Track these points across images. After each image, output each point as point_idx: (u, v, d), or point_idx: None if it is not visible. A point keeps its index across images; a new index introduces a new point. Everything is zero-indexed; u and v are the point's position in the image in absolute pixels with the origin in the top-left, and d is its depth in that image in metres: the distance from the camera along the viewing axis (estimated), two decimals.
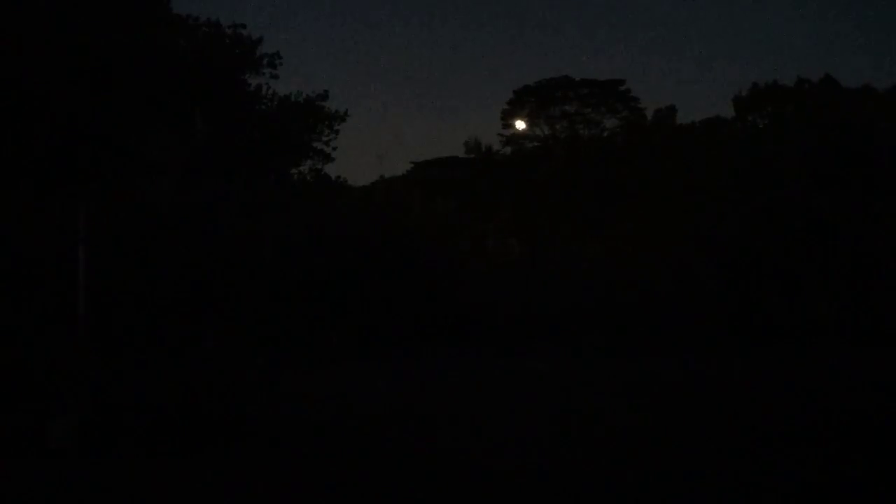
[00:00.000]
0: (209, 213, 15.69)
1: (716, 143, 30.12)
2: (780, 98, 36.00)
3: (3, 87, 6.61)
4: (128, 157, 9.42)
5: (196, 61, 22.95)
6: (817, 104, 19.10)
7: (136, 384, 7.28)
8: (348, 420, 8.09)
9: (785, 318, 16.48)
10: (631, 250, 19.98)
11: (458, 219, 24.08)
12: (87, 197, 9.86)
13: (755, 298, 16.77)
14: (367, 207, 21.90)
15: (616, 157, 37.84)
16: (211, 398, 6.85)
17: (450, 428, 7.70)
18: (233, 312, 13.88)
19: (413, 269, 15.78)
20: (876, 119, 17.98)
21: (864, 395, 9.86)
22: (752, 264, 17.16)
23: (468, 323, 16.05)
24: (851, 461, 6.18)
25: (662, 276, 18.67)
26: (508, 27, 79.61)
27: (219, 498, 5.36)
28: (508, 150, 43.79)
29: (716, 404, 9.13)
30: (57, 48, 20.56)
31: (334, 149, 26.88)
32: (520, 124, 44.03)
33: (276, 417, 7.76)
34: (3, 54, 17.33)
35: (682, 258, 19.04)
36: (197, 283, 14.42)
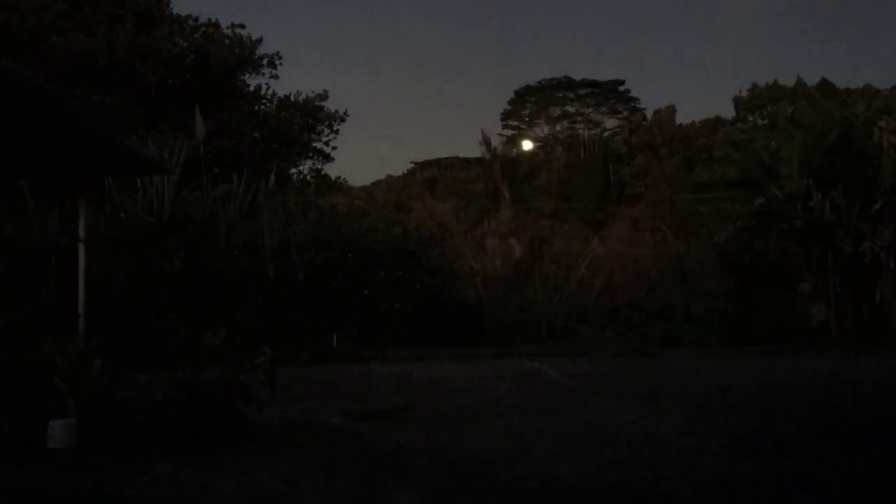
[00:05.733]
0: (209, 213, 15.72)
1: (715, 142, 30.14)
2: (780, 98, 36.05)
3: (5, 86, 6.61)
4: (128, 157, 9.41)
5: (196, 61, 23.00)
6: (817, 104, 19.09)
7: (135, 384, 7.28)
8: (349, 420, 8.09)
9: (784, 318, 16.49)
10: (630, 250, 20.00)
11: (458, 219, 24.11)
12: (87, 197, 9.85)
13: (755, 299, 16.78)
14: (367, 208, 21.91)
15: (616, 156, 37.87)
16: (211, 398, 6.85)
17: (451, 429, 7.69)
18: (233, 311, 13.90)
19: (413, 269, 15.77)
20: (876, 119, 17.96)
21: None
22: (751, 264, 17.16)
23: (468, 323, 16.03)
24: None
25: (662, 275, 18.69)
26: (509, 27, 79.57)
27: (220, 498, 5.36)
28: (513, 150, 43.79)
29: (726, 408, 9.12)
30: (59, 48, 20.60)
31: (334, 149, 27.01)
32: (526, 144, 44.36)
33: (276, 417, 7.76)
34: (4, 54, 17.35)
35: (682, 258, 19.06)
36: (197, 282, 14.45)
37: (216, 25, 24.44)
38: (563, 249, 20.94)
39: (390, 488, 5.50)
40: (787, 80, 37.71)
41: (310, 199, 21.05)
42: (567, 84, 52.39)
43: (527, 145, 44.48)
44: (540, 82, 52.67)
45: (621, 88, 52.03)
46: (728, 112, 40.30)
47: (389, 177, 46.41)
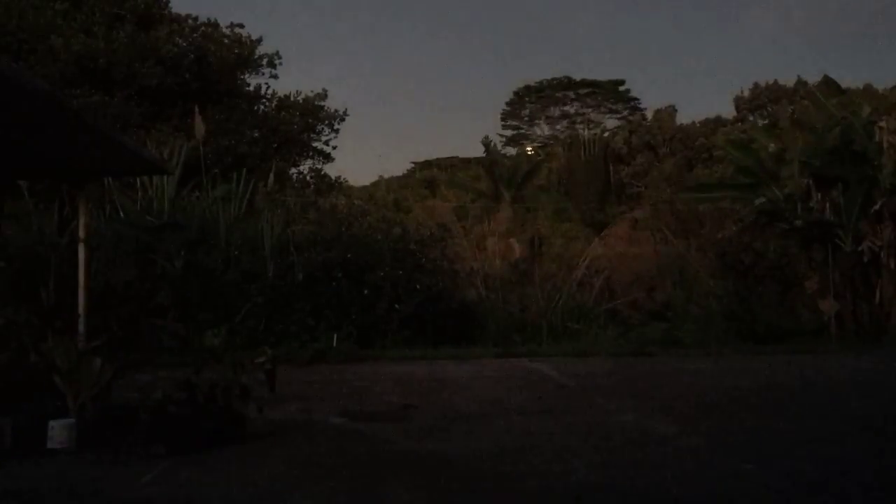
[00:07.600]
0: (209, 213, 15.73)
1: (715, 142, 30.16)
2: (781, 98, 36.06)
3: (4, 86, 6.61)
4: (128, 157, 9.41)
5: (196, 61, 23.00)
6: (817, 104, 19.08)
7: (136, 384, 7.27)
8: (349, 420, 8.09)
9: (785, 318, 16.48)
10: (631, 250, 19.99)
11: (458, 218, 24.10)
12: (87, 197, 9.85)
13: (755, 299, 16.77)
14: (367, 208, 21.90)
15: (616, 156, 37.90)
16: (211, 398, 6.85)
17: (452, 429, 7.69)
18: (233, 311, 13.91)
19: (412, 269, 15.76)
20: (876, 119, 17.95)
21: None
22: (752, 264, 17.15)
23: (468, 323, 16.01)
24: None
25: (662, 275, 18.68)
26: (509, 27, 79.58)
27: (220, 498, 5.36)
28: (512, 150, 43.90)
29: (728, 408, 9.10)
30: (59, 48, 20.58)
31: (334, 148, 27.05)
32: (529, 149, 44.62)
33: (276, 417, 7.76)
34: (4, 54, 17.34)
35: (682, 258, 19.05)
36: (197, 282, 14.46)
37: (216, 25, 24.47)
38: (563, 249, 20.92)
39: (391, 488, 5.50)
40: (788, 80, 37.87)
41: (310, 199, 21.05)
42: (567, 84, 52.47)
43: (529, 149, 44.77)
44: (540, 82, 52.78)
45: (621, 88, 52.10)
46: (728, 112, 40.40)
47: (389, 177, 46.47)
